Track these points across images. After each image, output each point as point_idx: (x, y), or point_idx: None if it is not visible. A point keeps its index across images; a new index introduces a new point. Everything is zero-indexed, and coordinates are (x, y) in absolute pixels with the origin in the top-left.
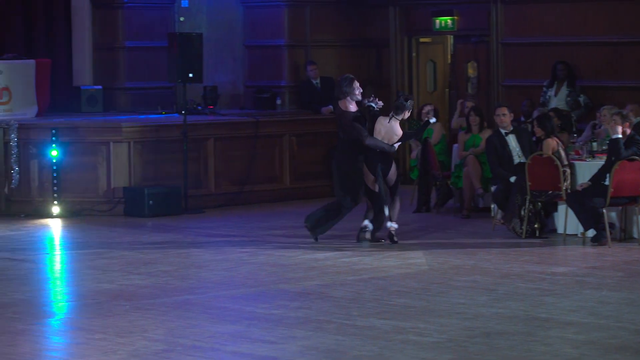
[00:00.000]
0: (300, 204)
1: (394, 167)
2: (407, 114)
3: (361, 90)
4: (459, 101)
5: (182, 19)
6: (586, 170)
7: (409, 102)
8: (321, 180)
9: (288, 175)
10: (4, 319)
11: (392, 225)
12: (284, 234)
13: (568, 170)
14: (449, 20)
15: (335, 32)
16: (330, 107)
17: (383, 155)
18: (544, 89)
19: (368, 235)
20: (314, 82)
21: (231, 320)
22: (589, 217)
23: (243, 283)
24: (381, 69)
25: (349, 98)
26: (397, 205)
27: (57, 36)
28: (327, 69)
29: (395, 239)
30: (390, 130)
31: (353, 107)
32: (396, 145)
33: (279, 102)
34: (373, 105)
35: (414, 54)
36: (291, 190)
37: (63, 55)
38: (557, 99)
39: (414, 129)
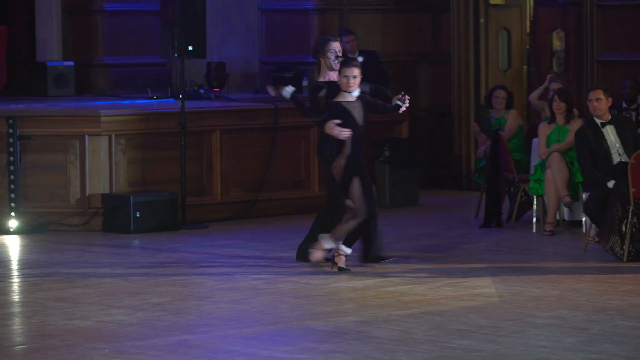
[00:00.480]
0: None
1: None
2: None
3: (339, 58)
4: (549, 75)
5: None
6: None
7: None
8: None
9: (316, 179)
10: None
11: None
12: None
13: None
14: None
15: None
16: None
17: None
18: None
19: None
20: (351, 57)
21: None
22: None
23: (258, 319)
24: (439, 41)
25: (322, 63)
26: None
27: None
28: (368, 40)
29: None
30: None
31: (326, 77)
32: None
33: (305, 83)
34: (400, 103)
35: (481, 21)
36: (320, 199)
37: (22, 21)
38: None
39: (482, 121)
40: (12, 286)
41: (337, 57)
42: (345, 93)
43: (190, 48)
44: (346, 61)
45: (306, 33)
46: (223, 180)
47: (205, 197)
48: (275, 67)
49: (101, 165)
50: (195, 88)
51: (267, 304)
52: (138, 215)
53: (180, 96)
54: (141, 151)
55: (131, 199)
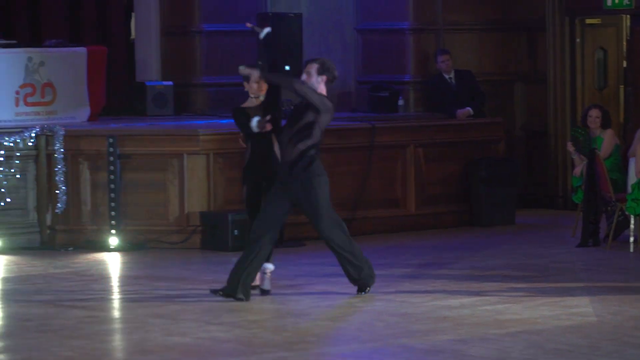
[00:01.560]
0: (429, 236)
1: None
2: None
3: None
4: None
5: None
6: None
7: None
8: (455, 205)
9: (413, 197)
10: None
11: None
12: (407, 273)
13: None
14: None
15: (474, 12)
16: (469, 109)
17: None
18: None
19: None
20: (447, 76)
21: None
22: None
23: (355, 337)
24: (535, 60)
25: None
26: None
27: (114, 17)
28: (464, 59)
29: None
30: None
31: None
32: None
33: (401, 102)
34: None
35: (577, 40)
36: (417, 218)
37: (122, 41)
38: None
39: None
40: (113, 303)
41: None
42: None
43: (286, 68)
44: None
45: (402, 53)
46: None
47: (302, 216)
48: (370, 87)
49: (199, 184)
50: (292, 107)
51: (363, 321)
52: (236, 233)
53: (277, 116)
54: (239, 170)
55: (229, 217)
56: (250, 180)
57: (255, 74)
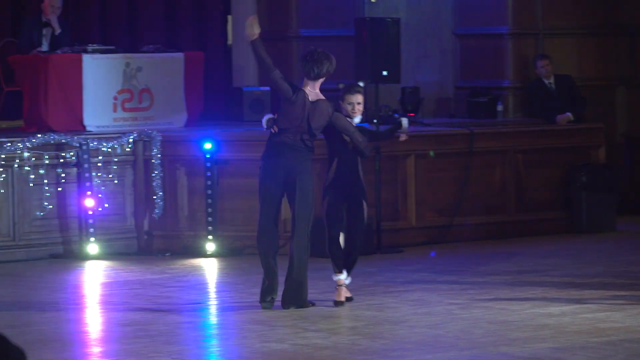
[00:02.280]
0: (528, 243)
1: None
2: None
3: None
4: None
5: (373, 0)
6: None
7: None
8: (556, 212)
9: (512, 204)
10: None
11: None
12: (506, 280)
13: None
14: None
15: (575, 16)
16: (569, 114)
17: None
18: None
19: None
20: (547, 82)
21: None
22: None
23: (453, 344)
24: (636, 64)
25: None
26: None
27: (210, 22)
28: (563, 64)
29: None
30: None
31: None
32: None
33: (500, 107)
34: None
35: None
36: (516, 224)
37: (219, 47)
38: None
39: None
40: (210, 309)
41: None
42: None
43: (384, 73)
44: (350, 87)
45: (501, 58)
46: (418, 204)
47: (400, 222)
48: (469, 92)
49: None
50: (390, 113)
51: (462, 329)
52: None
53: (375, 121)
54: None
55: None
56: (331, 195)
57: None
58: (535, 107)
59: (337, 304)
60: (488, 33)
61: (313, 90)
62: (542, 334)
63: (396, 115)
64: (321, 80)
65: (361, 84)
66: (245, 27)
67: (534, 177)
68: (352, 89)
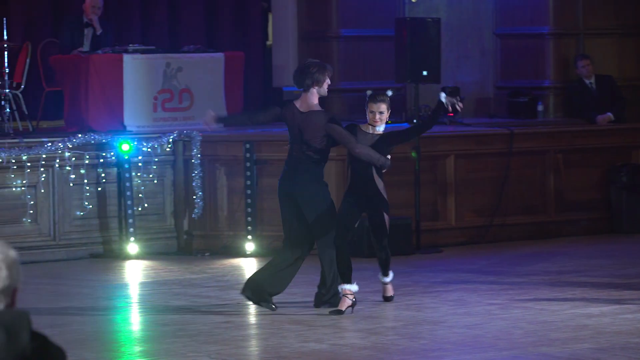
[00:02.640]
0: (567, 243)
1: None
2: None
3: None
4: None
5: (413, 0)
6: None
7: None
8: (596, 212)
9: (552, 204)
10: None
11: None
12: (546, 280)
13: None
14: None
15: (615, 16)
16: (609, 114)
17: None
18: None
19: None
20: (587, 82)
21: None
22: None
23: (492, 345)
24: None
25: (316, 89)
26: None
27: (250, 22)
28: (604, 64)
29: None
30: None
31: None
32: (389, 157)
33: (540, 108)
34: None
35: None
36: (556, 225)
37: (259, 47)
38: None
39: None
40: (249, 308)
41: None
42: (369, 126)
43: (424, 73)
44: (373, 96)
45: (541, 58)
46: (457, 205)
47: (439, 222)
48: (509, 92)
49: (337, 190)
50: (430, 113)
51: (501, 329)
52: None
53: (415, 121)
54: None
55: (366, 222)
56: (346, 202)
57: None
58: (576, 107)
59: (335, 312)
60: (529, 33)
61: (306, 102)
62: (582, 335)
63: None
64: (313, 90)
65: (389, 93)
66: (206, 117)
67: (574, 177)
68: (375, 97)
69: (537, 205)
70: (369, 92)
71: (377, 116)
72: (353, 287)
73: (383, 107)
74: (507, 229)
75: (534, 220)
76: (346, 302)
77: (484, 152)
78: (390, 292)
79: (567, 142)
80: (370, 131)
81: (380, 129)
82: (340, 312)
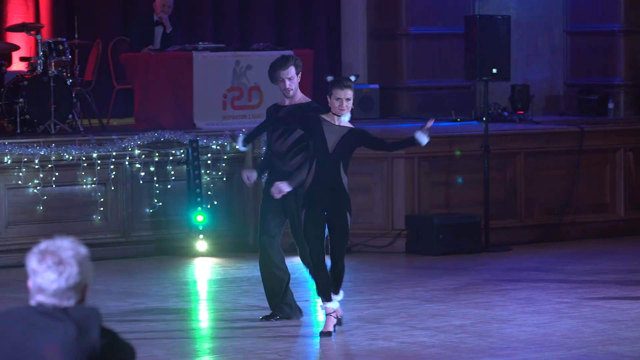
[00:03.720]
0: (638, 241)
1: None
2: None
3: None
4: None
5: None
6: None
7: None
8: None
9: (622, 202)
10: None
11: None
12: (616, 279)
13: None
14: None
15: None
16: None
17: None
18: None
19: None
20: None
21: None
22: None
23: (562, 343)
24: None
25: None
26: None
27: (318, 19)
28: None
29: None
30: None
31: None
32: None
33: (611, 105)
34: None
35: None
36: (627, 223)
37: (327, 44)
38: None
39: None
40: (317, 306)
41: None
42: (334, 116)
43: (494, 70)
44: (338, 81)
45: (612, 55)
46: (527, 203)
47: (508, 220)
48: (580, 90)
49: (405, 188)
50: (499, 111)
51: (570, 327)
52: (441, 237)
53: (484, 119)
54: (445, 174)
55: (435, 221)
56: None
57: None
58: None
59: (324, 334)
60: (600, 30)
61: (286, 98)
62: None
63: (505, 113)
64: (280, 83)
65: (353, 78)
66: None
67: None
68: (341, 82)
69: (607, 204)
70: (330, 78)
71: (345, 103)
72: (334, 305)
73: (350, 93)
74: (577, 227)
75: (604, 219)
76: (332, 322)
77: (554, 150)
78: (331, 326)
79: (638, 140)
80: (337, 122)
81: (346, 118)
82: (329, 334)
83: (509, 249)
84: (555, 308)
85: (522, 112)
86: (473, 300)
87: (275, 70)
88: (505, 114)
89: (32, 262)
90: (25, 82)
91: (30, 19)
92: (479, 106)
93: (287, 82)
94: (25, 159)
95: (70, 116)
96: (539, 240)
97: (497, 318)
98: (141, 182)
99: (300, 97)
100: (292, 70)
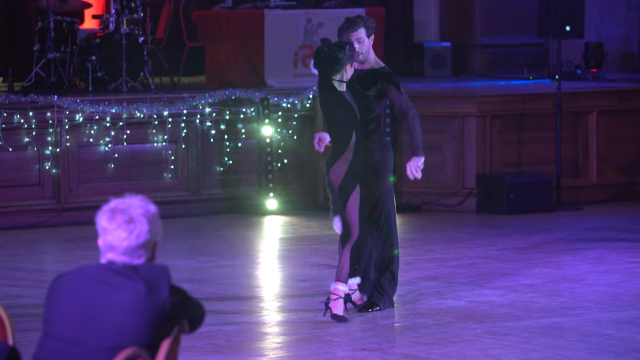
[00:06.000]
0: None
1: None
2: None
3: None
4: None
5: None
6: None
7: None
8: None
9: None
10: (323, 342)
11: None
12: None
13: None
14: None
15: None
16: None
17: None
18: None
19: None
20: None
21: (615, 352)
22: None
23: (632, 303)
24: None
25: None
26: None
27: None
28: None
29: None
30: None
31: None
32: None
33: None
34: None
35: None
36: None
37: (400, 2)
38: None
39: None
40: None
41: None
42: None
43: (567, 28)
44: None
45: None
46: (599, 162)
47: (580, 179)
48: None
49: (477, 146)
50: (572, 69)
51: None
52: (512, 196)
53: (557, 77)
54: (517, 132)
55: (506, 179)
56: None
57: None
58: None
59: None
60: None
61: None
62: None
63: (578, 71)
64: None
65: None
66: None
67: None
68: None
69: None
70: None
71: (357, 46)
72: (345, 288)
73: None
74: None
75: None
76: (340, 304)
77: (627, 108)
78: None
79: None
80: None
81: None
82: (344, 319)
83: (580, 208)
84: (627, 268)
85: (595, 70)
86: (544, 259)
87: (343, 32)
88: (579, 72)
89: (103, 220)
90: (98, 40)
91: None
92: (551, 64)
93: (357, 46)
94: (97, 117)
95: (141, 74)
96: (611, 199)
97: (568, 277)
98: (212, 140)
99: (372, 61)
100: (362, 31)
